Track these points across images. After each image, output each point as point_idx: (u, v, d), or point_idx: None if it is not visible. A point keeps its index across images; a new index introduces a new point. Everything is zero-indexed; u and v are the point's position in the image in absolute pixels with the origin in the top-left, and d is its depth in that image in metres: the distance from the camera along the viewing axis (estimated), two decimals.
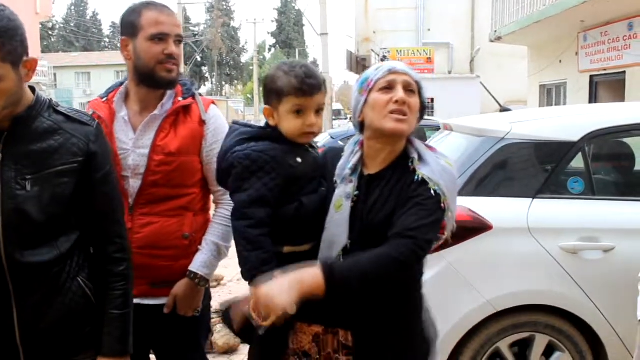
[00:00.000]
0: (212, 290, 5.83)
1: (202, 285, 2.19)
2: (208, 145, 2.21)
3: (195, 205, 2.23)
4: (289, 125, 1.77)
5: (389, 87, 1.71)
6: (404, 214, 1.65)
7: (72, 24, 59.02)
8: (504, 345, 2.95)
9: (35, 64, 1.60)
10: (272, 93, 1.78)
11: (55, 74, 35.87)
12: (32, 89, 1.68)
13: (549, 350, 2.98)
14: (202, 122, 2.20)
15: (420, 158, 1.73)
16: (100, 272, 1.74)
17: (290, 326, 1.78)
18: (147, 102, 2.18)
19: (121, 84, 2.26)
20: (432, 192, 1.66)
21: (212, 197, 2.34)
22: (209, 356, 4.11)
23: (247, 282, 1.73)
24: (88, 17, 64.85)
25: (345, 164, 1.77)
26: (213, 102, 2.31)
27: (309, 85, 1.73)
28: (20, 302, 1.60)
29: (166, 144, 2.13)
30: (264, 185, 1.70)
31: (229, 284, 5.82)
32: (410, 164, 1.72)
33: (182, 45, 2.19)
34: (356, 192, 1.74)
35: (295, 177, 1.76)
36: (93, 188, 1.70)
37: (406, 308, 1.79)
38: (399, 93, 1.69)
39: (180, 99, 2.19)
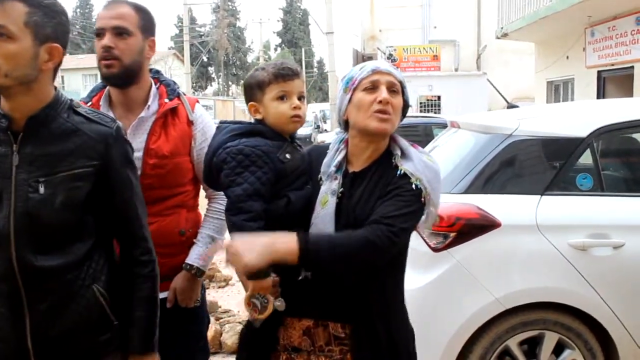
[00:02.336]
0: (220, 290, 5.89)
1: (199, 276, 2.26)
2: (198, 145, 2.25)
3: (189, 202, 2.30)
4: (275, 111, 1.82)
5: (373, 87, 1.75)
6: (382, 203, 1.70)
7: (78, 26, 59.30)
8: (513, 343, 2.94)
9: (59, 55, 1.58)
10: (254, 88, 1.86)
11: (62, 77, 36.06)
12: (55, 88, 1.66)
13: (559, 347, 2.97)
14: (190, 123, 2.24)
15: (403, 154, 1.78)
16: (126, 275, 1.75)
17: (280, 322, 1.83)
18: (130, 104, 2.19)
19: (104, 86, 2.26)
20: (413, 186, 1.71)
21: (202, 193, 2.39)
22: (218, 356, 4.14)
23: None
24: (94, 19, 65.25)
25: (330, 162, 1.82)
26: (197, 101, 2.34)
27: (286, 70, 1.82)
28: (32, 307, 1.59)
29: (159, 146, 2.15)
30: (258, 179, 1.73)
31: (237, 283, 5.83)
32: (393, 160, 1.78)
33: (128, 38, 2.08)
34: (341, 189, 1.78)
35: (285, 173, 1.79)
36: (113, 192, 1.69)
37: (393, 297, 1.84)
38: (383, 93, 1.73)
39: (166, 100, 2.21)
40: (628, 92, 10.00)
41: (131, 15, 2.11)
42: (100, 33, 2.09)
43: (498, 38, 14.98)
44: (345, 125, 1.84)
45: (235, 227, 1.72)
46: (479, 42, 21.42)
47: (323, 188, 1.78)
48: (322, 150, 1.91)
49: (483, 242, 2.86)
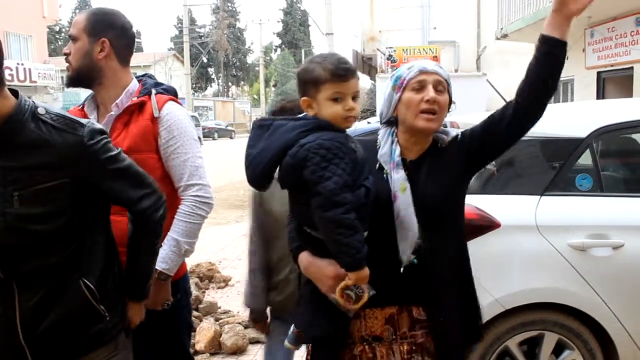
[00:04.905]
0: (220, 291, 5.88)
1: (164, 279, 2.23)
2: (164, 142, 2.26)
3: None
4: (328, 111, 1.79)
5: (421, 87, 1.87)
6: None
7: None
8: (513, 343, 2.94)
9: None
10: (308, 83, 1.80)
11: (62, 77, 36.00)
12: (15, 93, 1.61)
13: (559, 348, 2.97)
14: (154, 120, 2.24)
15: (445, 132, 1.95)
16: (135, 233, 1.84)
17: (349, 317, 1.84)
18: (105, 104, 2.30)
19: None
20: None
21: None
22: (218, 357, 4.13)
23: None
24: None
25: (391, 151, 1.90)
26: (173, 99, 2.33)
27: (343, 70, 1.77)
28: (22, 305, 1.60)
29: (117, 143, 2.13)
30: (344, 170, 1.70)
31: (237, 284, 5.83)
32: (439, 145, 1.94)
33: (77, 43, 2.24)
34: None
35: (357, 162, 1.79)
36: (103, 190, 1.70)
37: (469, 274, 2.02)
38: (430, 92, 1.85)
39: (134, 98, 2.26)
40: (627, 92, 9.99)
41: (80, 20, 2.25)
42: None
43: (498, 39, 14.98)
44: (388, 121, 1.96)
45: (332, 222, 1.67)
46: (479, 43, 21.39)
47: (397, 176, 1.86)
48: (367, 143, 1.97)
49: (482, 243, 2.86)
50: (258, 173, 1.82)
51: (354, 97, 1.81)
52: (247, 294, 2.61)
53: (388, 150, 1.90)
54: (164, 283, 2.24)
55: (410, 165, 1.91)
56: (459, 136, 1.93)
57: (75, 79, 2.27)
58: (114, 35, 2.25)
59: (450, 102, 1.93)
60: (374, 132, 2.08)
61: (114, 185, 1.72)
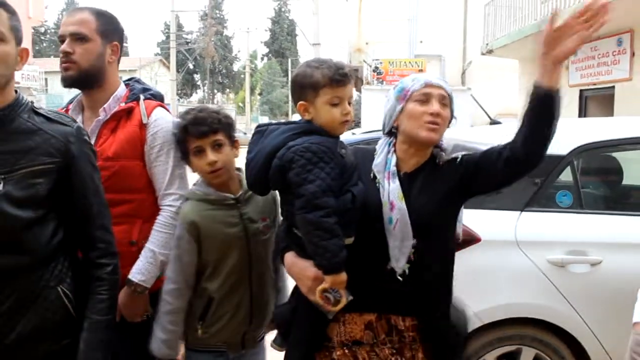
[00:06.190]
0: None
1: (140, 291, 2.18)
2: (149, 149, 2.22)
3: (144, 211, 2.22)
4: (326, 115, 1.82)
5: (425, 100, 1.87)
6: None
7: None
8: (490, 358, 2.95)
9: (27, 56, 1.65)
10: (306, 88, 1.84)
11: (46, 79, 35.67)
12: (15, 91, 1.67)
13: None
14: (143, 126, 2.21)
15: (446, 150, 1.94)
16: (85, 277, 1.72)
17: (327, 320, 1.86)
18: (95, 108, 2.23)
19: None
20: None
21: None
22: None
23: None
24: None
25: (387, 161, 1.90)
26: (161, 106, 2.30)
27: (342, 76, 1.82)
28: None
29: (103, 149, 2.14)
30: (328, 174, 1.73)
31: None
32: (437, 161, 1.93)
33: (86, 43, 2.14)
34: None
35: (345, 167, 1.82)
36: (72, 191, 1.67)
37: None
38: (435, 106, 1.86)
39: (122, 104, 2.23)
40: (609, 111, 10.13)
41: (90, 20, 2.16)
42: (61, 40, 2.15)
43: (483, 54, 15.13)
44: (389, 131, 1.95)
45: (312, 224, 1.70)
46: (464, 57, 21.61)
47: (394, 185, 1.85)
48: (366, 152, 1.99)
49: (462, 257, 2.84)
50: (253, 177, 1.87)
51: (349, 102, 1.86)
52: (159, 340, 2.16)
53: (383, 160, 1.91)
54: (140, 295, 2.20)
55: (403, 177, 1.91)
56: (459, 158, 1.93)
57: (81, 80, 2.18)
58: (119, 39, 2.24)
59: (452, 116, 1.94)
60: (358, 143, 2.10)
61: (84, 191, 1.71)
